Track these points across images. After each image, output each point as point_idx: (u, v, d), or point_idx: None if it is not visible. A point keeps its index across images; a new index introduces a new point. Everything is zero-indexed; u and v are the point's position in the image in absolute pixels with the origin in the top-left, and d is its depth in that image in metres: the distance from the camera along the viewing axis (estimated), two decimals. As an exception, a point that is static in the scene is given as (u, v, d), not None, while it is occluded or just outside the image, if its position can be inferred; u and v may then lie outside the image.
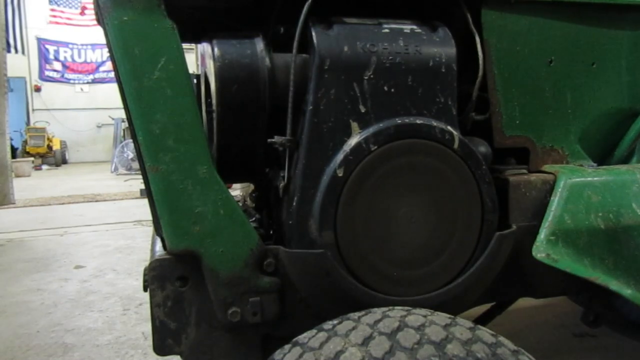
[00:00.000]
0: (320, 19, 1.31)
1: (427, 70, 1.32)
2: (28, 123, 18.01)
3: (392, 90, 1.30)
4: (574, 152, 1.57)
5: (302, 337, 1.03)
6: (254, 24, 1.41)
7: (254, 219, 1.61)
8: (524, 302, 1.92)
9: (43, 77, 18.67)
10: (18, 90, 16.88)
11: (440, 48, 1.33)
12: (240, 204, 1.79)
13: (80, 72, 19.14)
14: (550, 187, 1.43)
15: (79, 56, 19.08)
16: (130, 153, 13.36)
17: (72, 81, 19.11)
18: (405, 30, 1.33)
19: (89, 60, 19.14)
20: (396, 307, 1.09)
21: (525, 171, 1.50)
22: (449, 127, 1.32)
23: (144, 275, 1.28)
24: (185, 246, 1.21)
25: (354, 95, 1.28)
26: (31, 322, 3.09)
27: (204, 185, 1.21)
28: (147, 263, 1.28)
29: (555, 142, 1.55)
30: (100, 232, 5.78)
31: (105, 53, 17.37)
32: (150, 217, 1.40)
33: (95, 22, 1.40)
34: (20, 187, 8.93)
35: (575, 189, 1.39)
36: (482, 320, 1.74)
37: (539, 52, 1.51)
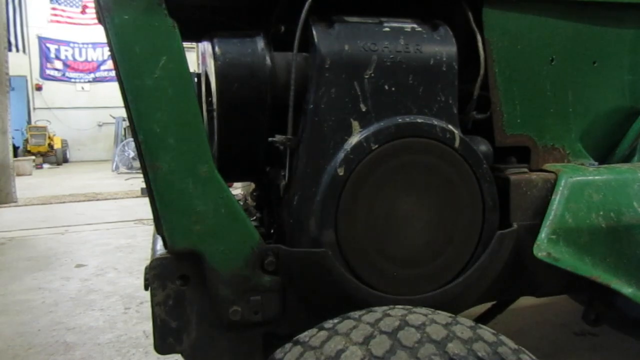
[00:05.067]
0: (321, 18, 1.30)
1: (428, 69, 1.32)
2: (29, 122, 18.02)
3: (393, 89, 1.30)
4: (575, 150, 1.57)
5: (303, 336, 1.03)
6: (254, 22, 1.40)
7: (254, 217, 1.61)
8: (525, 301, 1.92)
9: (44, 76, 18.68)
10: (19, 89, 16.90)
11: (441, 47, 1.33)
12: (241, 203, 1.79)
13: (81, 71, 19.15)
14: (552, 185, 1.42)
15: (80, 55, 19.09)
16: (131, 152, 13.37)
17: (73, 80, 19.12)
18: (406, 29, 1.33)
19: (89, 59, 19.14)
20: (397, 306, 1.09)
21: (526, 170, 1.49)
22: (450, 126, 1.32)
23: (145, 274, 1.28)
24: (186, 245, 1.21)
25: (355, 94, 1.28)
26: (32, 320, 3.10)
27: (204, 184, 1.21)
28: (148, 262, 1.28)
29: (557, 140, 1.55)
30: (101, 230, 5.79)
31: (106, 52, 17.39)
32: (151, 216, 1.40)
33: (96, 21, 1.40)
34: (22, 186, 8.94)
35: (577, 188, 1.39)
36: (483, 319, 1.74)
37: (540, 51, 1.50)
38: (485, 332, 0.99)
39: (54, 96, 18.73)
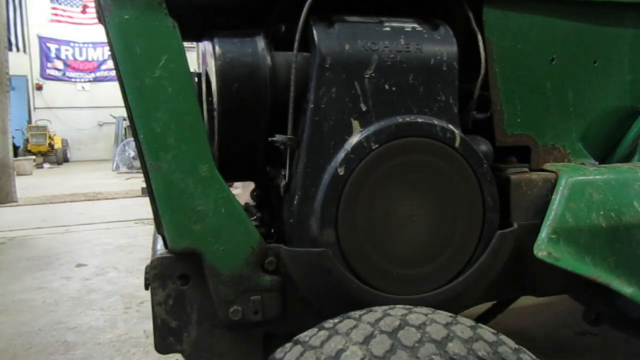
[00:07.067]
0: (322, 18, 1.30)
1: (428, 69, 1.32)
2: (30, 121, 18.04)
3: (393, 88, 1.30)
4: (576, 150, 1.57)
5: (303, 336, 1.03)
6: (255, 22, 1.40)
7: (255, 217, 1.61)
8: (525, 301, 1.92)
9: (44, 76, 18.70)
10: (19, 89, 16.92)
11: (442, 46, 1.33)
12: (241, 203, 1.78)
13: (81, 71, 19.16)
14: (552, 185, 1.42)
15: (81, 54, 19.10)
16: (131, 151, 13.38)
17: (73, 79, 19.14)
18: (406, 29, 1.33)
19: (90, 59, 19.16)
20: (397, 306, 1.09)
21: (526, 169, 1.49)
22: (450, 126, 1.32)
23: (146, 273, 1.28)
24: (186, 245, 1.21)
25: (355, 93, 1.28)
26: (33, 320, 3.10)
27: (205, 183, 1.21)
28: (148, 261, 1.28)
29: (557, 140, 1.55)
30: (102, 230, 5.79)
31: (107, 51, 17.40)
32: (151, 216, 1.40)
33: (96, 21, 1.40)
34: (22, 186, 8.94)
35: (577, 188, 1.39)
36: (483, 318, 1.74)
37: (541, 51, 1.50)
38: (486, 331, 0.99)
39: (54, 96, 18.74)
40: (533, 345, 1.14)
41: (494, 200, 1.36)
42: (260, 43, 1.31)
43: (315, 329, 1.04)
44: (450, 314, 1.04)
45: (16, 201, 8.02)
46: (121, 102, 1.35)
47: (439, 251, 1.34)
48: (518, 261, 1.43)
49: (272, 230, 1.50)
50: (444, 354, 0.90)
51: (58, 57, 18.81)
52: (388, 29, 1.32)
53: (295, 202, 1.28)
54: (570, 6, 1.51)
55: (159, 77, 1.17)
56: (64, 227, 5.99)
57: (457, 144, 1.31)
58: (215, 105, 1.33)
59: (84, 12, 17.66)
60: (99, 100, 18.71)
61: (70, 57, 18.99)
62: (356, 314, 1.05)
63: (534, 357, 0.99)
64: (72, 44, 18.84)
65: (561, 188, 1.39)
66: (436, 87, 1.33)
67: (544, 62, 1.51)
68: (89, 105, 19.03)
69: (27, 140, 16.97)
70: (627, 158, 1.67)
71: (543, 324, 2.80)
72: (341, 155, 1.26)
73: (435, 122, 1.30)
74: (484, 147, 1.43)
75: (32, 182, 11.19)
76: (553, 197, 1.39)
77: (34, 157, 15.69)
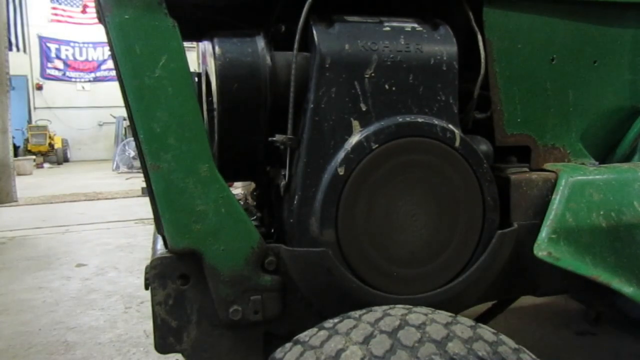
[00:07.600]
0: (322, 17, 1.30)
1: (428, 69, 1.32)
2: (30, 121, 18.05)
3: (393, 88, 1.30)
4: (576, 150, 1.57)
5: (303, 336, 1.04)
6: (255, 22, 1.40)
7: (255, 217, 1.61)
8: (525, 301, 1.92)
9: (44, 76, 18.70)
10: (20, 89, 16.92)
11: (442, 46, 1.33)
12: (242, 203, 1.79)
13: (81, 71, 19.17)
14: (552, 185, 1.42)
15: (81, 54, 19.11)
16: (131, 151, 13.39)
17: (73, 79, 19.15)
18: (406, 29, 1.33)
19: (90, 59, 19.17)
20: (397, 306, 1.09)
21: (526, 169, 1.49)
22: (450, 126, 1.32)
23: (146, 273, 1.28)
24: (186, 244, 1.22)
25: (355, 93, 1.28)
26: (33, 320, 3.10)
27: (205, 183, 1.21)
28: (148, 261, 1.28)
29: (557, 140, 1.55)
30: (102, 230, 5.79)
31: (107, 51, 17.40)
32: (151, 216, 1.40)
33: (96, 20, 1.40)
34: (22, 186, 8.95)
35: (577, 187, 1.39)
36: (483, 318, 1.74)
37: (541, 50, 1.50)
38: (486, 331, 0.99)
39: (54, 96, 18.75)
40: (533, 345, 1.14)
41: (494, 200, 1.36)
42: (260, 43, 1.31)
43: (315, 329, 1.04)
44: (450, 314, 1.04)
45: (16, 201, 8.02)
46: (121, 102, 1.35)
47: (439, 251, 1.34)
48: (518, 261, 1.43)
49: (272, 230, 1.50)
50: (444, 354, 0.90)
51: (58, 57, 18.82)
52: (388, 29, 1.32)
53: (295, 202, 1.28)
54: (570, 6, 1.51)
55: (159, 77, 1.17)
56: (64, 227, 5.99)
57: (457, 143, 1.31)
58: (215, 105, 1.33)
59: (84, 12, 17.66)
60: (99, 100, 18.71)
61: (70, 57, 19.00)
62: (356, 313, 1.05)
63: (534, 357, 0.99)
64: (72, 44, 18.85)
65: (561, 188, 1.39)
66: (436, 87, 1.33)
67: (544, 62, 1.51)
68: (89, 105, 19.04)
69: (27, 140, 16.98)
70: (627, 158, 1.67)
71: (543, 324, 2.80)
72: (341, 155, 1.26)
73: (435, 122, 1.30)
74: (484, 147, 1.43)
75: (32, 182, 11.20)
76: (553, 197, 1.39)
77: (34, 157, 15.70)
